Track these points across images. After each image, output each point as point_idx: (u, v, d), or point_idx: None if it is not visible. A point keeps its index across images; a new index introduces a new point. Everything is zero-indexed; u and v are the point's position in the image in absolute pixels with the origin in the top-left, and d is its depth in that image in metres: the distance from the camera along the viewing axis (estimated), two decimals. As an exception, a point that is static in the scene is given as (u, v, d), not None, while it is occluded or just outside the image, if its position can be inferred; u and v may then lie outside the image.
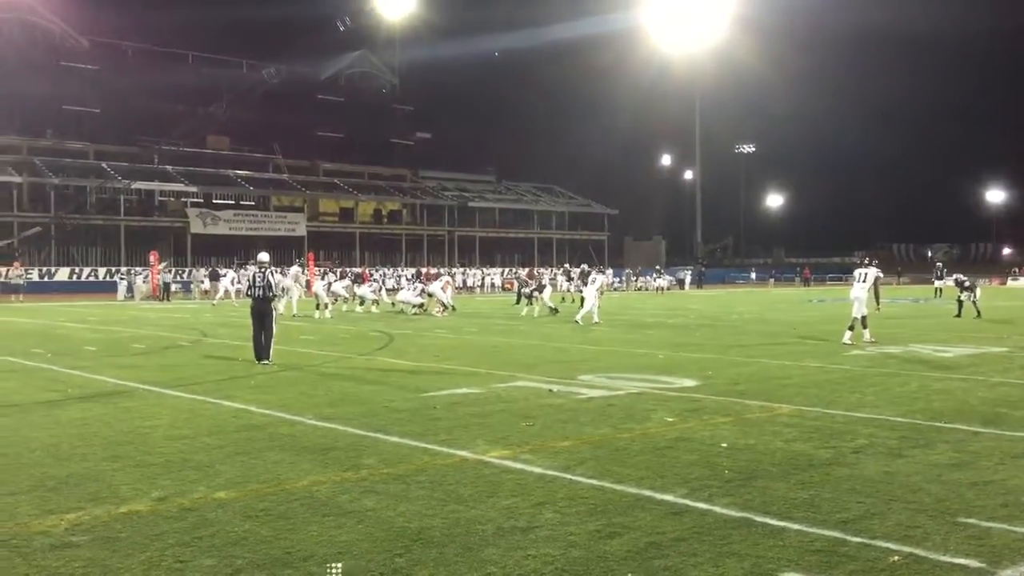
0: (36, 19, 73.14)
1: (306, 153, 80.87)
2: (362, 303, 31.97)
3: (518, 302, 35.68)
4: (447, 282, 32.13)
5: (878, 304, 19.40)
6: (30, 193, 62.91)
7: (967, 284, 28.70)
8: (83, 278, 58.80)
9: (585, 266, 46.51)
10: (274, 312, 15.14)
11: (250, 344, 14.96)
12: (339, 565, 4.93)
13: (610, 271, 68.89)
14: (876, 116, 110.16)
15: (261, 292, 14.68)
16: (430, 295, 30.77)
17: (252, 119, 77.04)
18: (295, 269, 32.22)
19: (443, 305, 30.30)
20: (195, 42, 79.98)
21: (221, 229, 65.58)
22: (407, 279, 46.34)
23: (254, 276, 14.91)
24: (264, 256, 15.29)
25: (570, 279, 32.42)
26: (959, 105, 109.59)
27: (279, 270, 33.81)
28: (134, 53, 77.74)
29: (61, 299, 47.34)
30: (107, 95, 71.52)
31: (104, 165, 67.51)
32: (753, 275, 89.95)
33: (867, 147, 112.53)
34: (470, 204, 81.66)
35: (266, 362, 14.40)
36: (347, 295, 32.08)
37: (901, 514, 5.93)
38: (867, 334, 18.76)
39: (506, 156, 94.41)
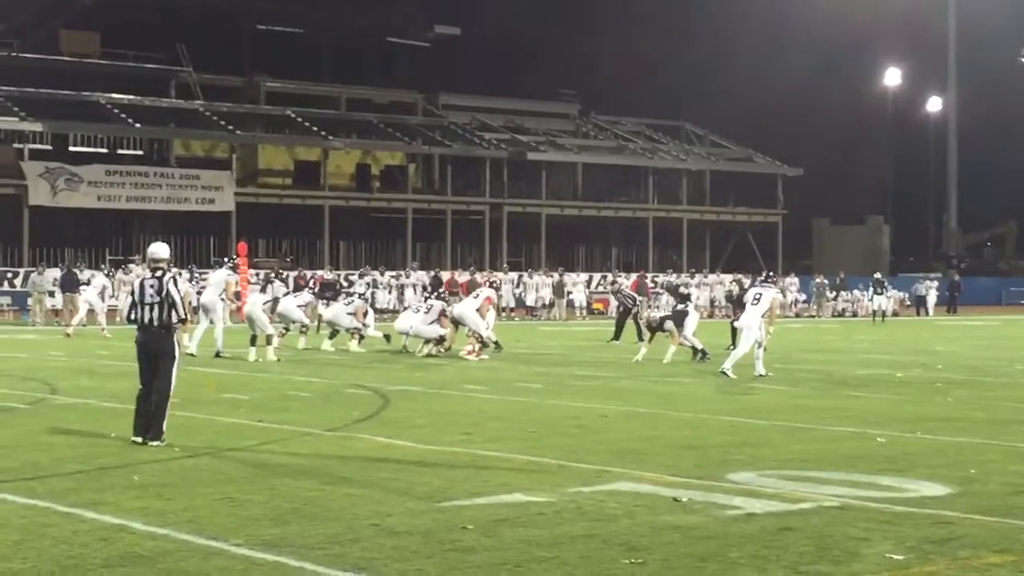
0: None
1: (236, 62, 52.45)
2: (333, 334, 25.14)
3: (618, 335, 26.71)
4: (488, 299, 23.81)
5: None
6: None
7: None
8: None
9: (741, 278, 31.47)
10: (177, 349, 10.91)
11: (131, 406, 10.79)
12: None
13: (790, 281, 47.93)
14: None
15: (154, 314, 10.47)
16: (456, 322, 23.13)
17: (140, 2, 50.33)
18: (221, 273, 24.70)
19: (480, 340, 22.76)
20: None
21: (82, 199, 46.79)
22: (415, 292, 36.06)
23: (142, 284, 10.75)
24: (160, 250, 11.05)
25: (677, 296, 23.88)
26: None
27: (187, 274, 26.54)
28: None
29: None
30: None
31: None
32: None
33: None
34: (530, 156, 59.85)
35: (156, 443, 10.30)
36: (307, 320, 24.78)
37: None
38: None
39: (597, 72, 60.53)
